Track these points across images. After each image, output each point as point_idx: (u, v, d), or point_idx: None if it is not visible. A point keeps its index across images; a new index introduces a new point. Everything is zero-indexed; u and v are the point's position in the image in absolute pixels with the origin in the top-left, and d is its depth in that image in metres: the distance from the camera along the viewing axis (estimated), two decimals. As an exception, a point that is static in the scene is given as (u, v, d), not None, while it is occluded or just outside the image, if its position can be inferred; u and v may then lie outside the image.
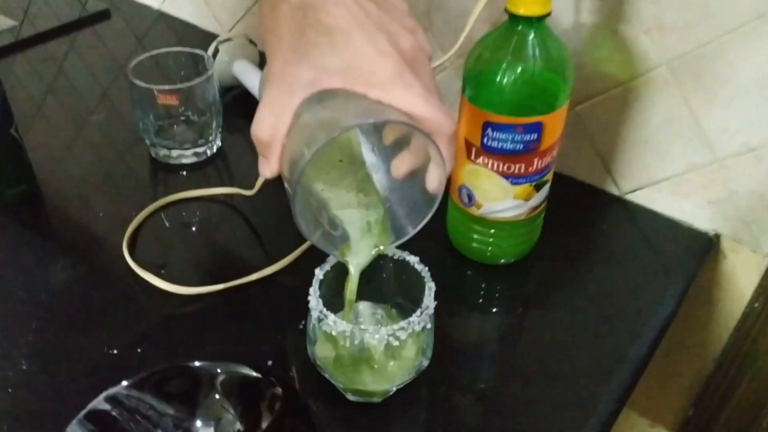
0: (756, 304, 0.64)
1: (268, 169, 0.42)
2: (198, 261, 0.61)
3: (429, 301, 0.45)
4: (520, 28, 0.48)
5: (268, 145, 0.40)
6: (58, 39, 0.92)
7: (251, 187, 0.64)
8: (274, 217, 0.65)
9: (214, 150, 0.71)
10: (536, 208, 0.56)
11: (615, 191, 0.68)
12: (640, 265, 0.61)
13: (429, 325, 0.45)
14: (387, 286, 0.51)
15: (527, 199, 0.54)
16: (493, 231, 0.57)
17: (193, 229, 0.64)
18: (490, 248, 0.58)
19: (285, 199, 0.41)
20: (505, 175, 0.53)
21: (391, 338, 0.43)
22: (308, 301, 0.45)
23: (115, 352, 0.51)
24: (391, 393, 0.48)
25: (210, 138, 0.70)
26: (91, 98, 0.80)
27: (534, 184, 0.54)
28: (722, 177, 0.60)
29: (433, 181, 0.41)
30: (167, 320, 0.55)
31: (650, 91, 0.60)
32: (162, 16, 0.97)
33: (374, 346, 0.44)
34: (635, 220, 0.66)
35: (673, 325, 0.57)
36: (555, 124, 0.51)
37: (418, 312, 0.44)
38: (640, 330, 0.55)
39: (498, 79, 0.49)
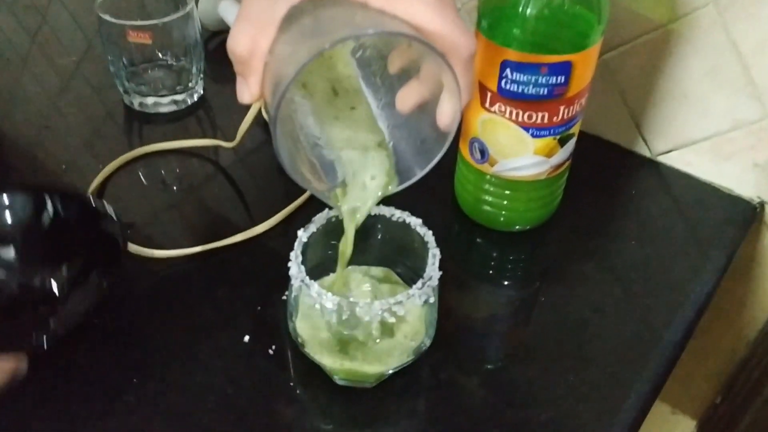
0: (803, 282, 0.56)
1: (246, 92, 0.34)
2: (171, 221, 0.54)
3: (432, 270, 0.37)
4: (548, -54, 0.40)
5: (247, 63, 0.33)
6: None
7: (234, 139, 0.57)
8: (261, 172, 0.58)
9: (195, 98, 0.63)
10: (559, 166, 0.48)
11: (646, 152, 0.60)
12: (673, 237, 0.53)
13: (432, 299, 0.38)
14: (384, 253, 0.44)
15: (549, 155, 0.47)
16: (508, 192, 0.49)
17: (168, 185, 0.57)
18: (503, 212, 0.51)
19: (273, 153, 0.33)
20: (526, 126, 0.45)
21: (386, 314, 0.36)
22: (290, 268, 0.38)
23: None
24: (386, 377, 0.41)
25: (190, 84, 0.62)
26: (68, 43, 0.72)
27: (558, 137, 0.46)
28: (772, 136, 0.53)
29: (446, 116, 0.34)
30: (131, 287, 0.48)
31: (693, 35, 0.52)
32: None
33: (366, 322, 0.37)
34: (668, 185, 0.58)
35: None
36: (586, 65, 0.43)
37: (419, 283, 0.37)
38: (675, 309, 0.47)
39: (521, 8, 0.41)
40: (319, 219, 0.40)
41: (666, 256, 0.51)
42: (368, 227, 0.41)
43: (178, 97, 0.62)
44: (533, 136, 0.45)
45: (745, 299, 0.62)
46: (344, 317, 0.36)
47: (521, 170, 0.47)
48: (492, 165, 0.48)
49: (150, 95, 0.61)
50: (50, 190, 0.45)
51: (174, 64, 0.61)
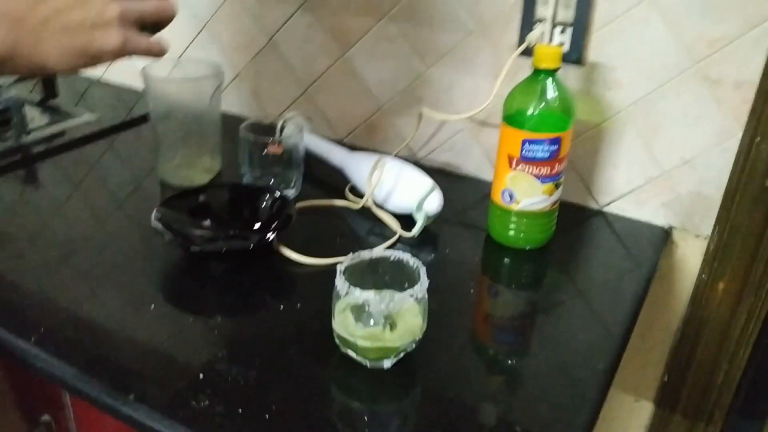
0: (703, 275, 0.90)
1: None
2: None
3: (422, 279, 0.62)
4: (542, 77, 0.76)
5: None
6: (98, 142, 1.10)
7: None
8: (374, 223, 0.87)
9: (297, 193, 0.93)
10: (555, 202, 0.81)
11: (595, 206, 0.94)
12: (617, 258, 0.84)
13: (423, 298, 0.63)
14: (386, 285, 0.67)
15: (551, 194, 0.80)
16: (525, 221, 0.81)
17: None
18: (522, 235, 0.82)
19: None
20: (537, 177, 0.78)
21: (391, 305, 0.61)
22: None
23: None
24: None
25: (292, 185, 0.92)
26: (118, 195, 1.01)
27: (555, 183, 0.79)
28: (670, 184, 0.88)
29: None
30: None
31: (615, 128, 0.89)
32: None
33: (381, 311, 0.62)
34: (612, 225, 0.92)
35: (645, 306, 0.80)
36: (567, 138, 0.78)
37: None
38: (620, 305, 0.76)
39: (532, 110, 0.76)
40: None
41: (614, 271, 0.82)
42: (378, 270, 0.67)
43: (290, 192, 0.92)
44: (542, 182, 0.78)
45: (668, 297, 0.94)
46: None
47: (534, 205, 0.80)
48: (517, 204, 0.80)
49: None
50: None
51: (284, 173, 0.91)
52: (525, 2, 0.87)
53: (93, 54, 0.58)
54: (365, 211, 0.90)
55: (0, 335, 0.65)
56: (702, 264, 0.90)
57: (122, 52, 0.59)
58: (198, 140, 0.94)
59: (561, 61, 0.76)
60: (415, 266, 0.65)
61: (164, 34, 0.64)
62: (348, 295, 0.61)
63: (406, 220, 0.86)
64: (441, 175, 1.01)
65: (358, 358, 0.63)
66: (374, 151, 1.01)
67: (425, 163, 1.06)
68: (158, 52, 0.64)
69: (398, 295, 0.61)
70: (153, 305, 0.70)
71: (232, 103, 1.20)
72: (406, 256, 0.66)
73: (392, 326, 0.62)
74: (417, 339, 0.63)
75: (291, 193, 0.92)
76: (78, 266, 0.77)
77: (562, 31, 0.86)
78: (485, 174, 1.01)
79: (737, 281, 0.87)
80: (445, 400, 0.60)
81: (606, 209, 0.94)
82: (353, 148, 1.03)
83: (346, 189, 0.95)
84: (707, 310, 0.91)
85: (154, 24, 0.63)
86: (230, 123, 1.02)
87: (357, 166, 0.92)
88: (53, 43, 0.57)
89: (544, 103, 0.76)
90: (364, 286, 0.65)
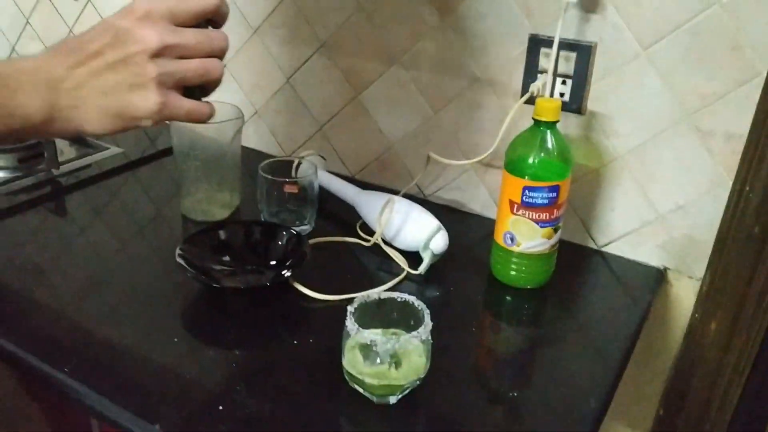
0: (696, 315, 0.94)
1: None
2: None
3: (426, 321, 0.67)
4: (542, 128, 0.81)
5: None
6: (124, 174, 1.16)
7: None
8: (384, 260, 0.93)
9: (311, 229, 0.99)
10: (554, 245, 0.86)
11: (593, 246, 0.99)
12: (615, 295, 0.90)
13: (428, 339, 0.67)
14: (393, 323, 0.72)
15: (550, 238, 0.84)
16: (526, 262, 0.86)
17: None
18: (523, 275, 0.87)
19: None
20: (537, 221, 0.83)
21: (397, 345, 0.65)
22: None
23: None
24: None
25: (307, 220, 0.98)
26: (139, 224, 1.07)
27: (554, 227, 0.84)
28: (665, 227, 0.93)
29: None
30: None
31: (613, 173, 0.93)
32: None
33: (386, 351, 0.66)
34: (609, 265, 0.97)
35: (641, 342, 0.85)
36: (565, 186, 0.83)
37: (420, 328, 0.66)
38: (617, 339, 0.81)
39: (531, 158, 0.81)
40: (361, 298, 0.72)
41: (611, 308, 0.87)
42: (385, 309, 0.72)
43: (304, 227, 0.97)
44: (541, 226, 0.83)
45: (664, 334, 0.98)
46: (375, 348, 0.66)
47: (534, 248, 0.85)
48: (518, 246, 0.85)
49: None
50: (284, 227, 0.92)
51: (299, 210, 0.97)
52: (528, 55, 0.92)
53: (130, 117, 0.58)
54: (375, 248, 0.95)
55: (37, 365, 0.71)
56: (695, 304, 0.94)
57: (160, 115, 0.58)
58: (218, 178, 1.00)
59: (560, 115, 0.81)
60: (420, 308, 0.70)
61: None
62: (357, 334, 0.66)
63: (414, 257, 0.91)
64: (448, 212, 1.07)
65: (366, 394, 0.68)
66: (384, 188, 1.06)
67: (433, 200, 1.11)
68: (199, 118, 0.61)
69: (404, 337, 0.66)
70: (176, 338, 0.76)
71: (250, 138, 1.26)
72: (412, 299, 0.71)
73: (397, 365, 0.67)
74: (421, 377, 0.68)
75: (306, 228, 0.98)
76: (106, 299, 0.82)
77: (563, 82, 0.91)
78: (490, 212, 1.06)
79: (728, 321, 0.91)
80: (446, 434, 0.65)
81: (604, 249, 0.99)
82: (364, 184, 1.09)
83: (357, 226, 1.00)
84: (700, 348, 0.95)
85: (201, 87, 0.61)
86: (248, 157, 1.09)
87: (368, 205, 0.98)
88: (91, 106, 0.57)
89: (543, 153, 0.81)
90: (372, 323, 0.70)
